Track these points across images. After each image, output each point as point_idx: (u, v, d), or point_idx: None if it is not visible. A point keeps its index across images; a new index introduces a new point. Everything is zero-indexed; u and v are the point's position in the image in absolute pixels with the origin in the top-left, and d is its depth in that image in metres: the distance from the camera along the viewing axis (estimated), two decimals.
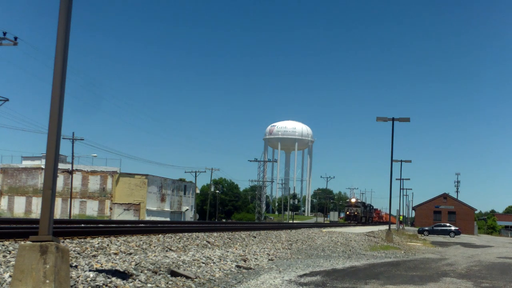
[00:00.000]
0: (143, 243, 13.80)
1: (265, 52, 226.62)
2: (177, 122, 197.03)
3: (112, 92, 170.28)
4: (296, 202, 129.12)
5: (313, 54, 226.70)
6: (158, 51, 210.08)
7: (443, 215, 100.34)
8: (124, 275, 8.72)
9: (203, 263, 11.81)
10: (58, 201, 65.82)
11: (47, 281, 6.46)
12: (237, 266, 12.32)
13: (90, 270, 8.58)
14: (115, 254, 11.51)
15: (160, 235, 16.40)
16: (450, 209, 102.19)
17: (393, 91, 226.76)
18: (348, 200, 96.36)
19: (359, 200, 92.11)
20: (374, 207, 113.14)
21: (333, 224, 61.03)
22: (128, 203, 68.93)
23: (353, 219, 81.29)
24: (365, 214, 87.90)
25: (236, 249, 16.03)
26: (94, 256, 10.73)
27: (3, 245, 10.29)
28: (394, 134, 35.20)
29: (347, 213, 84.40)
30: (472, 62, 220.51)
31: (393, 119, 35.03)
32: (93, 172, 69.67)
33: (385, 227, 56.73)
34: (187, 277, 9.74)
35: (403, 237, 42.82)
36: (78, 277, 7.90)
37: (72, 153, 60.74)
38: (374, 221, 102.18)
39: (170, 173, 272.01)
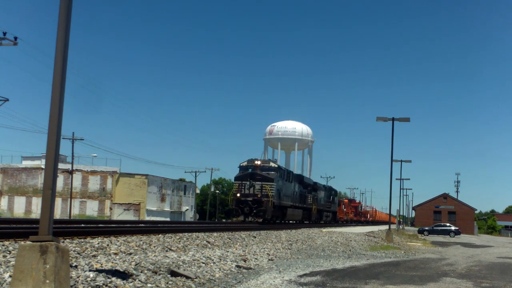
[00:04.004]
0: (143, 243, 13.79)
1: (265, 52, 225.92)
2: (177, 122, 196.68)
3: (112, 92, 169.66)
4: None
5: (313, 54, 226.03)
6: (158, 51, 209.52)
7: (443, 215, 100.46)
8: (124, 275, 8.73)
9: (203, 263, 11.81)
10: (58, 201, 65.82)
11: (47, 281, 6.46)
12: (237, 266, 12.32)
13: (90, 270, 8.58)
14: (115, 254, 11.50)
15: (160, 235, 16.38)
16: (450, 209, 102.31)
17: (393, 91, 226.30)
18: (242, 163, 34.98)
19: (274, 165, 35.10)
20: (354, 198, 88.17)
21: (331, 224, 60.03)
22: (128, 203, 68.94)
23: (254, 213, 32.99)
24: (302, 200, 42.29)
25: (236, 249, 16.02)
26: (94, 256, 10.72)
27: (3, 245, 10.29)
28: (394, 134, 35.25)
29: (238, 195, 33.52)
30: (471, 62, 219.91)
31: (393, 119, 35.07)
32: (93, 172, 69.69)
33: (385, 227, 56.70)
34: (187, 277, 9.74)
35: (403, 237, 42.85)
36: (78, 277, 7.90)
37: (72, 153, 60.85)
38: (344, 219, 65.26)
39: (170, 173, 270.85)
